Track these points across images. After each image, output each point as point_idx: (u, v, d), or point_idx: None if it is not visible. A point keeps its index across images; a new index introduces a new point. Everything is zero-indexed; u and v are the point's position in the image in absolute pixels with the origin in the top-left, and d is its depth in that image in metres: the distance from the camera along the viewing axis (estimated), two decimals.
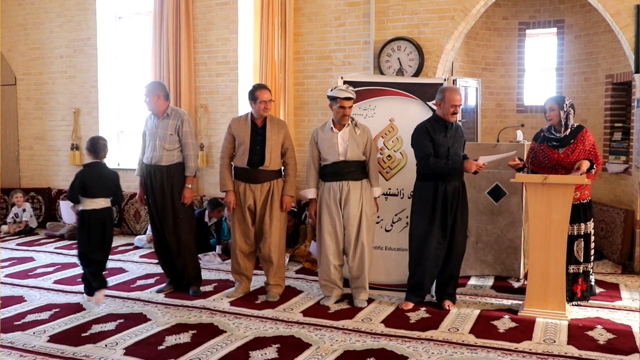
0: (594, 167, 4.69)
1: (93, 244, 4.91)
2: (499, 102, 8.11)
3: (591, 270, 4.88)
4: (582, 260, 4.80)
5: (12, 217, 8.32)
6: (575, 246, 4.78)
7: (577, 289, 4.81)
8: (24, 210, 8.35)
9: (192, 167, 5.17)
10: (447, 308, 4.72)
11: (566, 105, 4.76)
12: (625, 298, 5.06)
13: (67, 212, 8.14)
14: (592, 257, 4.90)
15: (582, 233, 4.79)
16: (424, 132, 4.72)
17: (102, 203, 4.95)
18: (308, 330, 4.30)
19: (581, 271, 4.81)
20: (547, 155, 4.80)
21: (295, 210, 6.94)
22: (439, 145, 4.69)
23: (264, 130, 4.98)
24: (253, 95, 4.97)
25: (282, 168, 5.13)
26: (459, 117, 6.94)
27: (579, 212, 4.75)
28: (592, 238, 4.86)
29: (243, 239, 5.09)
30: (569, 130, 4.76)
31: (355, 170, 4.84)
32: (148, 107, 5.22)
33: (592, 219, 4.86)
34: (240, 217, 5.06)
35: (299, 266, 6.21)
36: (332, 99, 4.83)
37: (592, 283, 4.96)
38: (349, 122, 4.85)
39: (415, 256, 4.80)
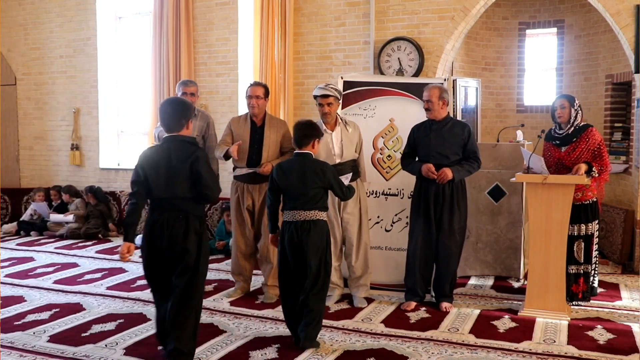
0: (594, 169, 4.60)
1: None
2: (499, 102, 8.11)
3: (593, 271, 4.83)
4: (582, 261, 4.77)
5: (30, 215, 8.30)
6: (575, 246, 4.75)
7: (577, 289, 4.78)
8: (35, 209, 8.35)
9: (216, 168, 5.28)
10: (444, 310, 4.68)
11: (577, 104, 4.76)
12: (625, 298, 5.06)
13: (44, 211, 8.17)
14: (595, 259, 4.84)
15: (583, 234, 4.76)
16: (411, 131, 4.87)
17: None
18: None
19: (582, 272, 4.78)
20: (551, 154, 4.81)
21: None
22: (420, 144, 4.76)
23: (262, 129, 4.97)
24: (246, 91, 5.01)
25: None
26: (458, 116, 6.95)
27: (580, 213, 4.71)
28: (595, 240, 4.79)
29: (243, 241, 5.08)
30: (572, 128, 4.73)
31: (349, 171, 4.82)
32: None
33: (595, 221, 4.77)
34: (240, 219, 5.06)
35: None
36: (315, 98, 4.83)
37: (595, 285, 4.92)
38: (340, 121, 4.85)
39: (408, 254, 4.85)
